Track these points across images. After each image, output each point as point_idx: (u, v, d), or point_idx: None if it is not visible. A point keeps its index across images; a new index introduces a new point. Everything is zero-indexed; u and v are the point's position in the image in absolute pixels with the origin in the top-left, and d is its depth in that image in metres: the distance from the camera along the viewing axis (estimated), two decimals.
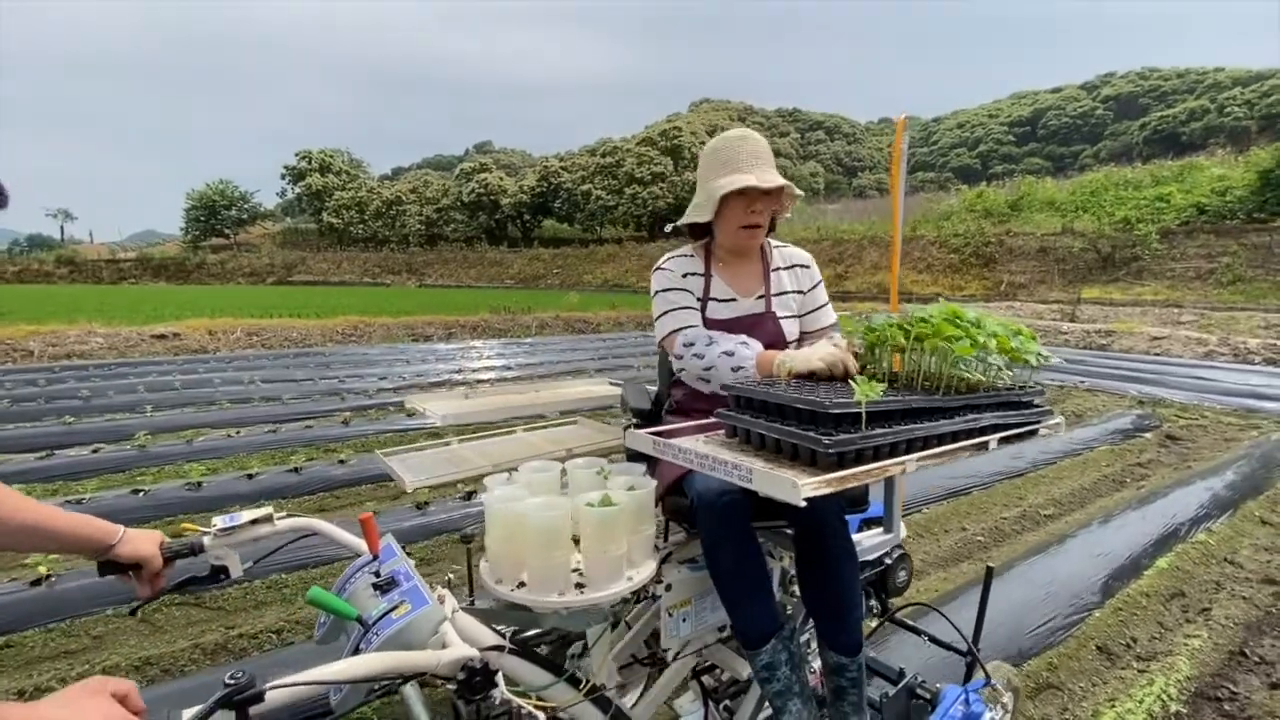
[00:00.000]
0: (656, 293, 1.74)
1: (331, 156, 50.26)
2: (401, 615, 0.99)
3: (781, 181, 1.60)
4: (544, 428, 2.14)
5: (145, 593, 1.02)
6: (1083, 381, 8.10)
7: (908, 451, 1.16)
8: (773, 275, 1.75)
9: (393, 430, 5.39)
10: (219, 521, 1.11)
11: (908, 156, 3.20)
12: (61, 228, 56.26)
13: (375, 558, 1.12)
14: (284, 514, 1.19)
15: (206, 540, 1.08)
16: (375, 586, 1.03)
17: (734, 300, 1.71)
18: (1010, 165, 65.51)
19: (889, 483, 1.75)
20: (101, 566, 0.99)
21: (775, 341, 1.67)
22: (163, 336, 10.86)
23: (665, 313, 1.71)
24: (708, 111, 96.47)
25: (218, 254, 44.89)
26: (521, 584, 1.22)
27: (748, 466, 1.07)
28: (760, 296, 1.72)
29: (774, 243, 1.81)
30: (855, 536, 1.67)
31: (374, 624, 0.99)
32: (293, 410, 5.97)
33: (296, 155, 49.46)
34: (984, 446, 1.25)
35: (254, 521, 1.13)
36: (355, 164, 52.12)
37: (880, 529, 1.85)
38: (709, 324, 1.69)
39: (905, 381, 1.33)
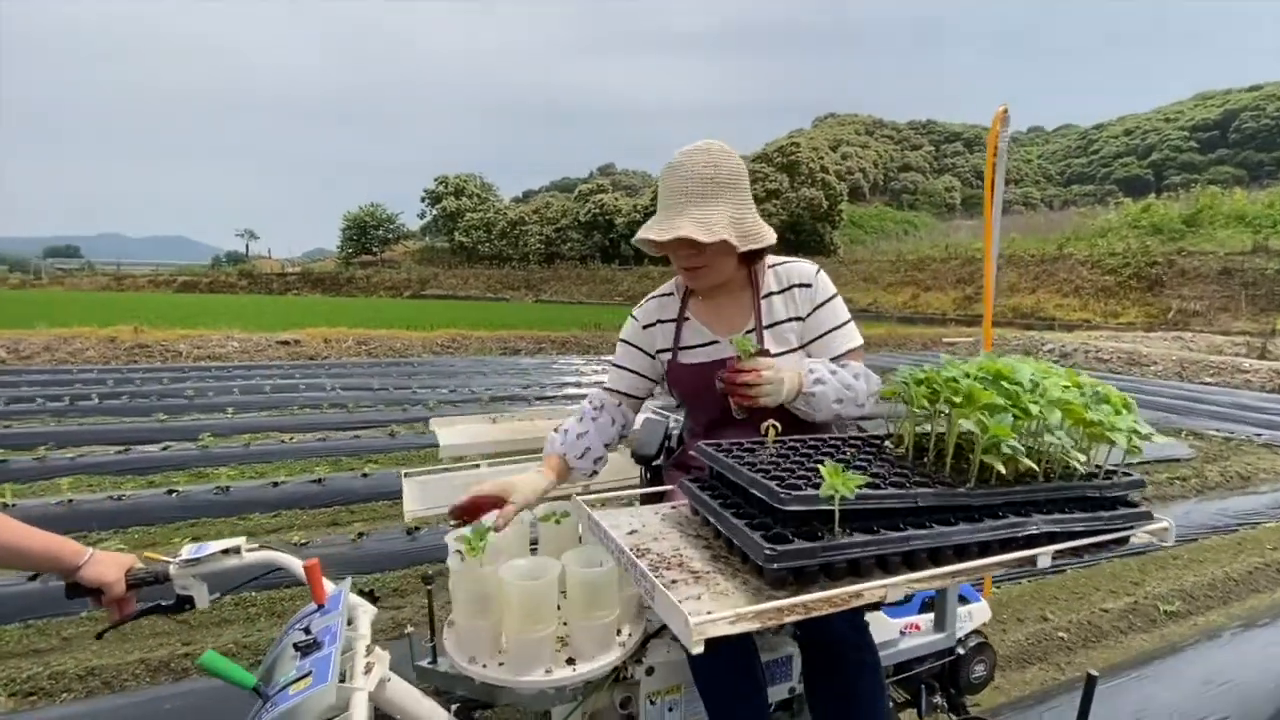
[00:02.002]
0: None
1: (465, 181, 54.29)
2: (299, 690, 0.83)
3: (683, 233, 1.28)
4: None
5: (113, 617, 1.02)
6: (1260, 434, 6.52)
7: (909, 567, 0.92)
8: (764, 304, 1.46)
9: (432, 445, 5.37)
10: (186, 551, 1.07)
11: (1004, 155, 2.66)
12: (246, 246, 65.31)
13: (320, 607, 1.01)
14: (255, 545, 1.13)
15: (172, 569, 1.05)
16: (297, 647, 0.91)
17: (714, 343, 1.47)
18: (1191, 175, 57.03)
19: None
20: (69, 588, 1.00)
21: None
22: (286, 343, 11.96)
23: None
24: (832, 126, 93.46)
25: (365, 269, 49.81)
26: (501, 658, 1.12)
27: (651, 582, 0.88)
28: (749, 331, 1.44)
29: (771, 261, 1.52)
30: (894, 629, 1.48)
31: (273, 696, 0.84)
32: (351, 419, 6.17)
33: (435, 180, 54.00)
34: (1030, 562, 0.97)
35: (224, 552, 1.09)
36: (486, 187, 55.85)
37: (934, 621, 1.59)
38: (681, 371, 1.49)
39: (932, 460, 1.07)
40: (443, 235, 55.05)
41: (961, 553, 0.95)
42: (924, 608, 1.69)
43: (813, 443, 1.21)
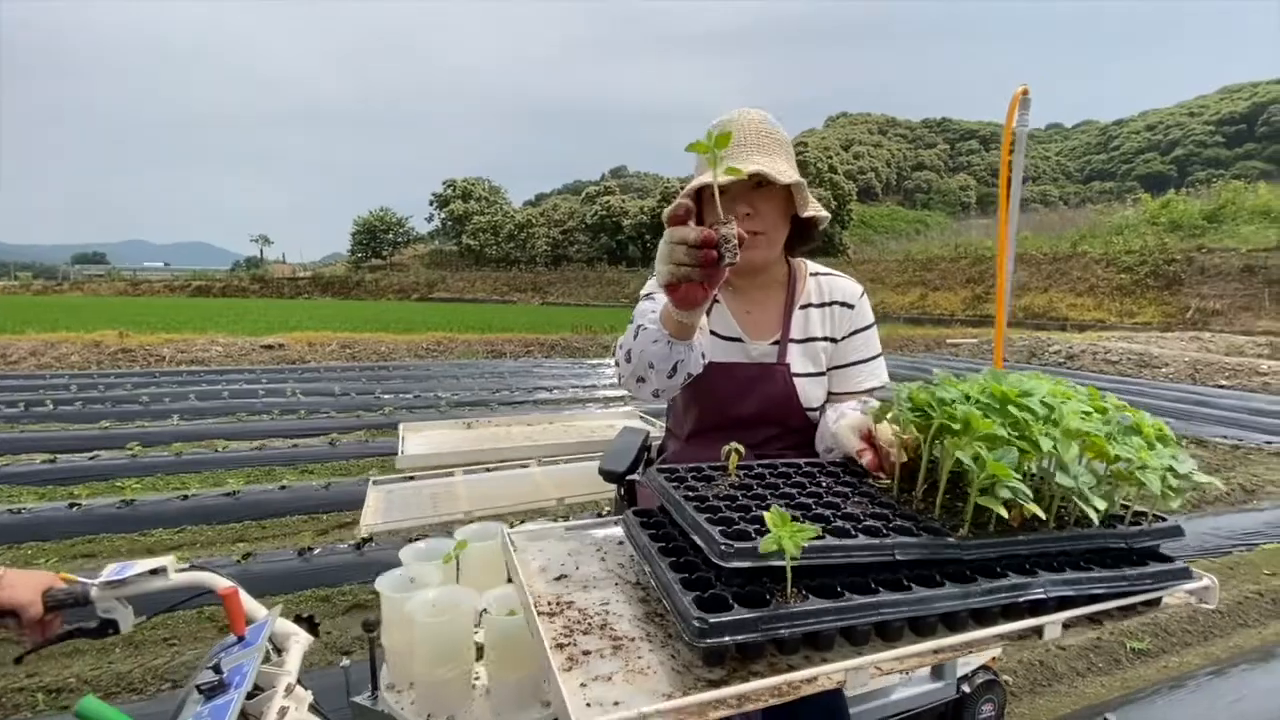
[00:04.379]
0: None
1: (473, 184, 54.52)
2: None
3: (757, 168, 1.13)
4: (565, 462, 2.03)
5: (34, 639, 0.95)
6: (1270, 441, 6.05)
7: (882, 638, 0.78)
8: (797, 314, 1.32)
9: (379, 454, 5.12)
10: (108, 571, 0.99)
11: (1023, 141, 2.35)
12: (261, 251, 65.97)
13: (240, 639, 0.94)
14: (185, 565, 1.04)
15: (93, 591, 0.97)
16: (201, 690, 0.83)
17: (738, 341, 1.32)
18: (1217, 170, 55.55)
19: None
20: None
21: (782, 412, 1.29)
22: (269, 347, 11.84)
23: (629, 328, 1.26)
24: (844, 126, 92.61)
25: (374, 273, 50.15)
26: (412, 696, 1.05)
27: (548, 654, 0.73)
28: (775, 342, 1.31)
29: (814, 268, 1.39)
30: (891, 676, 1.24)
31: None
32: (297, 426, 5.93)
33: (443, 184, 54.30)
34: (1036, 632, 0.81)
35: (151, 572, 1.00)
36: (494, 190, 56.04)
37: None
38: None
39: (921, 495, 0.93)
40: (451, 239, 55.29)
41: (949, 620, 0.79)
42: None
43: (784, 469, 1.05)
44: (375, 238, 54.19)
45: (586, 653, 0.76)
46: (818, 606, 0.72)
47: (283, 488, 4.06)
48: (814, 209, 1.25)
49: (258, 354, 11.53)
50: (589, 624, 0.83)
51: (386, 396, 7.51)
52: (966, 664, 1.62)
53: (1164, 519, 0.93)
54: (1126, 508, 0.94)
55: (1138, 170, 72.92)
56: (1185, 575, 0.90)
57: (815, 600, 0.73)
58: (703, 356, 1.14)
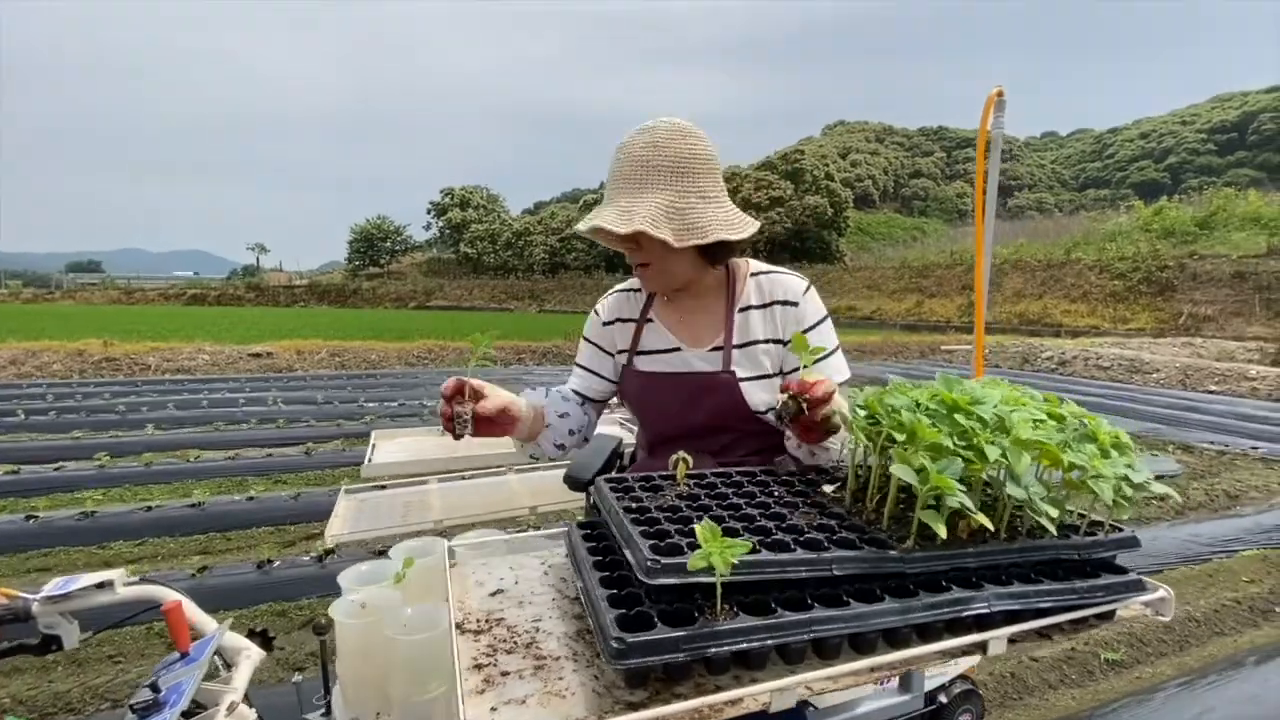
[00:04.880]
0: None
1: (471, 192, 54.58)
2: None
3: (596, 223, 1.13)
4: (544, 469, 1.99)
5: None
6: (1257, 447, 6.01)
7: (819, 655, 0.75)
8: (738, 318, 1.28)
9: (354, 463, 5.05)
10: (51, 585, 0.95)
11: (999, 144, 2.32)
12: (257, 259, 65.81)
13: (184, 656, 0.90)
14: (135, 579, 1.00)
15: (35, 606, 0.93)
16: (135, 709, 0.79)
17: (675, 351, 1.30)
18: (1210, 178, 55.82)
19: None
20: None
21: (733, 418, 1.25)
22: (257, 355, 11.76)
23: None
24: (841, 134, 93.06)
25: (371, 281, 50.10)
26: None
27: (459, 675, 0.71)
28: (716, 348, 1.27)
29: (755, 267, 1.33)
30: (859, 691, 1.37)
31: None
32: (274, 436, 5.87)
33: (441, 192, 54.36)
34: (980, 648, 0.79)
35: (97, 586, 0.96)
36: (492, 199, 56.10)
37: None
38: (635, 378, 1.33)
39: (871, 507, 0.90)
40: (449, 247, 55.30)
41: (891, 636, 0.77)
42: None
43: (738, 478, 1.02)
44: (373, 246, 54.20)
45: (506, 674, 0.74)
46: (747, 624, 0.69)
47: (250, 499, 3.99)
48: (697, 236, 1.13)
49: (245, 362, 11.45)
50: (515, 642, 0.81)
51: (370, 405, 7.45)
52: (943, 674, 1.58)
53: (1120, 529, 0.91)
54: (1084, 517, 0.92)
55: (1132, 178, 73.33)
56: (1139, 588, 0.87)
57: (745, 618, 0.70)
58: (568, 436, 1.33)
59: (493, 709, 0.68)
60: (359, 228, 54.06)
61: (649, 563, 0.72)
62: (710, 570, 0.67)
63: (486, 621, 0.86)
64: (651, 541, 0.77)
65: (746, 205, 41.70)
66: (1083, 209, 51.13)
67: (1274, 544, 3.74)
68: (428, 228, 57.48)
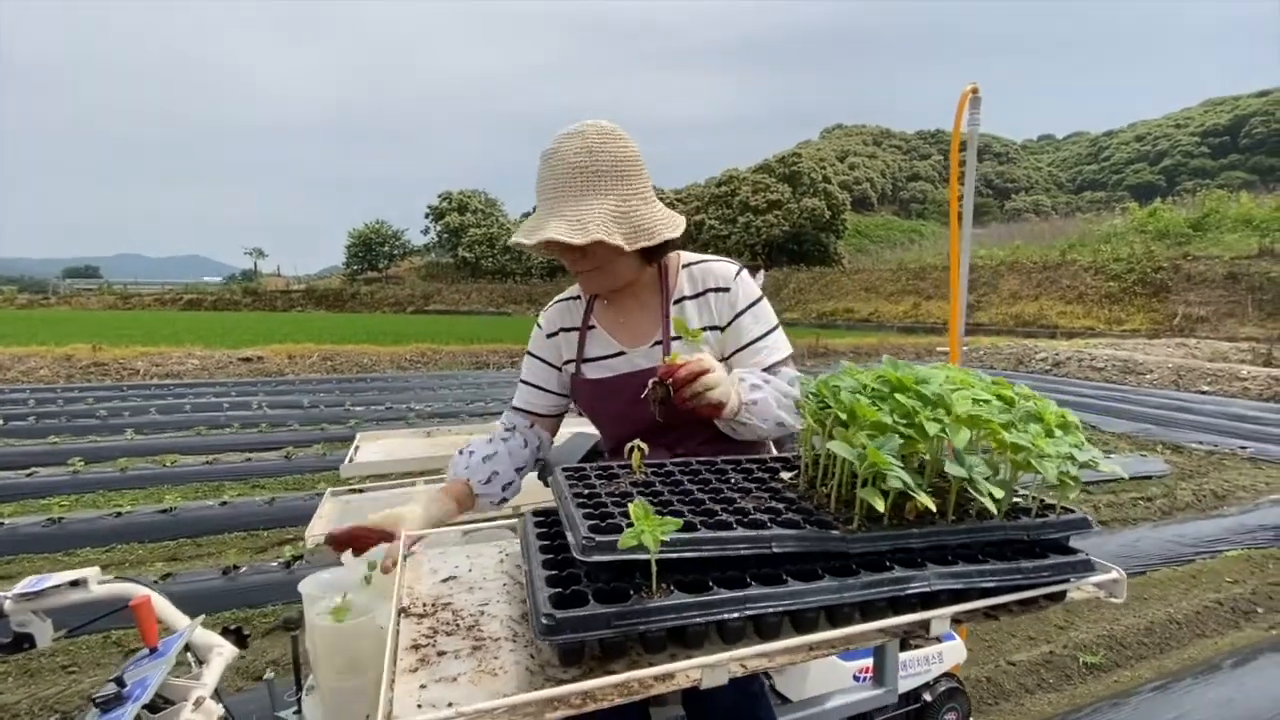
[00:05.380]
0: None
1: (469, 197, 54.52)
2: None
3: (550, 235, 1.10)
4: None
5: None
6: (1246, 447, 5.97)
7: (759, 634, 0.75)
8: (674, 310, 1.29)
9: (333, 468, 5.00)
10: (23, 584, 0.95)
11: (974, 141, 2.30)
12: (255, 264, 65.63)
13: (153, 650, 0.91)
14: (109, 577, 0.99)
15: (6, 604, 0.94)
16: (97, 703, 0.80)
17: (619, 355, 1.31)
18: (1203, 181, 56.01)
19: None
20: None
21: (684, 411, 1.21)
22: (248, 359, 11.72)
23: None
24: (840, 137, 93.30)
25: (369, 285, 50.04)
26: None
27: (390, 653, 0.72)
28: (657, 343, 1.29)
29: (686, 259, 1.34)
30: (847, 675, 1.43)
31: None
32: (254, 440, 5.81)
33: (439, 196, 54.31)
34: (922, 627, 0.79)
35: (72, 584, 0.96)
36: (490, 203, 56.04)
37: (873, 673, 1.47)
38: (584, 386, 1.33)
39: (824, 493, 0.90)
40: (447, 251, 55.25)
41: (833, 615, 0.77)
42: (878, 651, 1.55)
43: (696, 466, 1.03)
44: (371, 250, 54.09)
45: (442, 653, 0.75)
46: (680, 601, 0.69)
47: (223, 504, 3.94)
48: (645, 238, 1.16)
49: (235, 366, 11.41)
50: (457, 625, 0.83)
51: (357, 409, 7.39)
52: (926, 671, 1.58)
53: (1072, 511, 0.90)
54: (1038, 500, 0.92)
55: (1128, 180, 73.57)
56: (1087, 568, 0.86)
57: (679, 595, 0.70)
58: (503, 490, 1.30)
59: (422, 685, 0.69)
60: (357, 232, 53.96)
61: (584, 540, 0.73)
62: (643, 548, 0.67)
63: (434, 605, 0.87)
64: (593, 522, 0.78)
65: (744, 208, 41.76)
66: (1079, 211, 51.24)
67: (1258, 544, 3.71)
68: (425, 232, 57.39)
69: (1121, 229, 26.54)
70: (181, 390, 8.56)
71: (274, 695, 1.15)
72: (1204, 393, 9.37)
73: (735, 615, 0.71)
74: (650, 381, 1.03)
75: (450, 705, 0.63)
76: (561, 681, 0.68)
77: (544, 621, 0.67)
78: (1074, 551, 0.88)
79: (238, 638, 1.02)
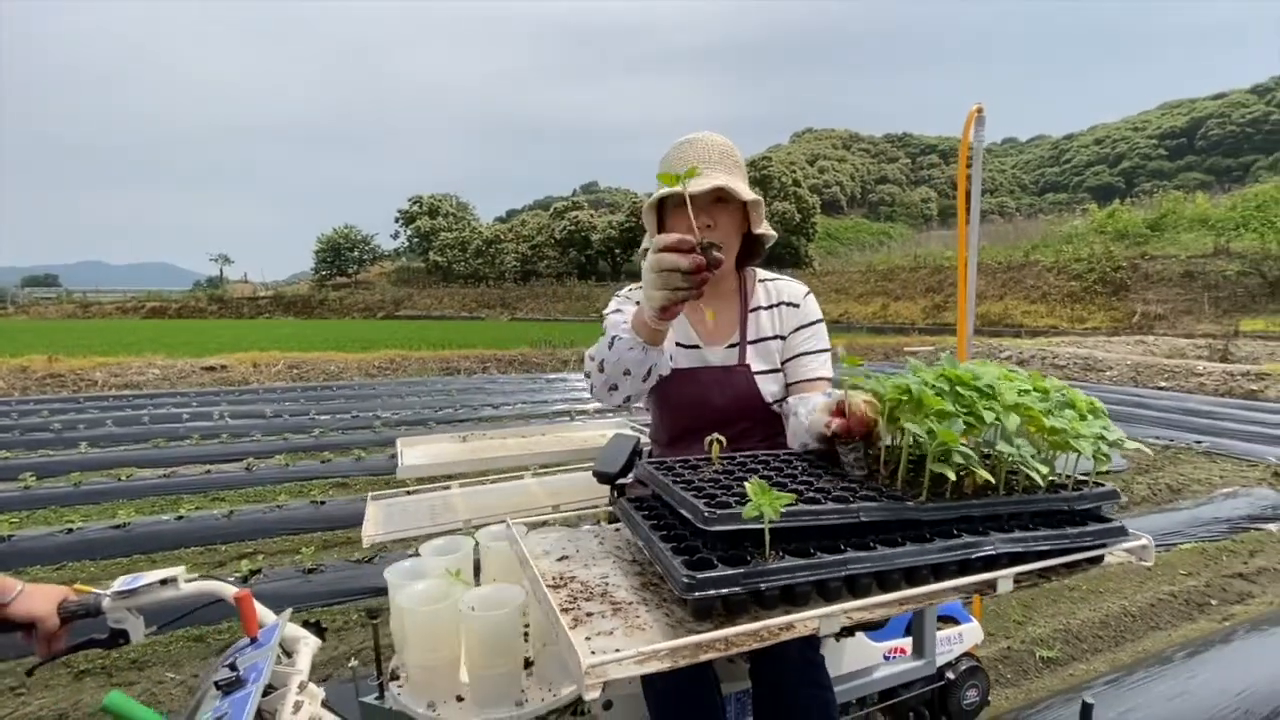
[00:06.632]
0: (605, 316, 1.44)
1: (440, 201, 53.96)
2: None
3: (721, 183, 1.25)
4: (555, 472, 2.09)
5: (42, 652, 0.96)
6: (1200, 441, 6.17)
7: (852, 593, 0.84)
8: (750, 317, 1.44)
9: (298, 478, 4.88)
10: (119, 582, 1.00)
11: (980, 157, 2.37)
12: (221, 270, 64.09)
13: (252, 640, 0.95)
14: (194, 575, 1.04)
15: (105, 602, 0.98)
16: (219, 686, 0.84)
17: (697, 348, 1.43)
18: (1162, 181, 57.96)
19: None
20: None
21: (748, 407, 1.40)
22: (211, 368, 11.41)
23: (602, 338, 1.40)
24: (810, 141, 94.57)
25: (339, 291, 49.19)
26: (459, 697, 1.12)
27: (555, 617, 0.80)
28: (733, 345, 1.42)
29: (762, 275, 1.51)
30: (877, 654, 1.51)
31: None
32: (214, 452, 5.66)
33: (409, 200, 53.64)
34: (990, 586, 0.89)
35: (160, 583, 1.01)
36: (461, 207, 55.55)
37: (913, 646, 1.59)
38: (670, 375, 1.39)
39: (885, 476, 1.00)
40: (418, 256, 54.60)
41: (911, 576, 0.87)
42: (908, 630, 1.64)
43: (764, 457, 1.15)
44: (340, 255, 53.19)
45: (590, 614, 0.85)
46: (792, 564, 0.81)
47: (179, 518, 3.83)
48: (765, 227, 1.39)
49: (197, 376, 11.10)
50: (591, 592, 0.91)
51: (322, 418, 7.25)
52: (949, 651, 1.67)
53: (1103, 485, 1.00)
54: (1071, 477, 1.02)
55: (1088, 182, 75.81)
56: (1122, 534, 0.97)
57: (790, 559, 0.81)
58: (670, 359, 1.34)
59: (587, 638, 0.78)
60: (325, 237, 53.03)
61: (706, 513, 0.82)
62: (761, 518, 0.78)
63: (561, 579, 0.96)
64: (704, 500, 0.88)
65: None
66: (1041, 213, 52.61)
67: (1211, 536, 3.82)
68: (395, 236, 56.67)
69: (1082, 230, 27.31)
70: (141, 401, 8.29)
71: (358, 682, 1.24)
72: (1161, 389, 9.67)
73: (837, 575, 0.82)
74: (840, 434, 1.04)
75: (618, 651, 0.71)
76: (698, 633, 0.76)
77: (684, 581, 0.76)
78: (1109, 520, 0.99)
79: (317, 630, 1.09)
